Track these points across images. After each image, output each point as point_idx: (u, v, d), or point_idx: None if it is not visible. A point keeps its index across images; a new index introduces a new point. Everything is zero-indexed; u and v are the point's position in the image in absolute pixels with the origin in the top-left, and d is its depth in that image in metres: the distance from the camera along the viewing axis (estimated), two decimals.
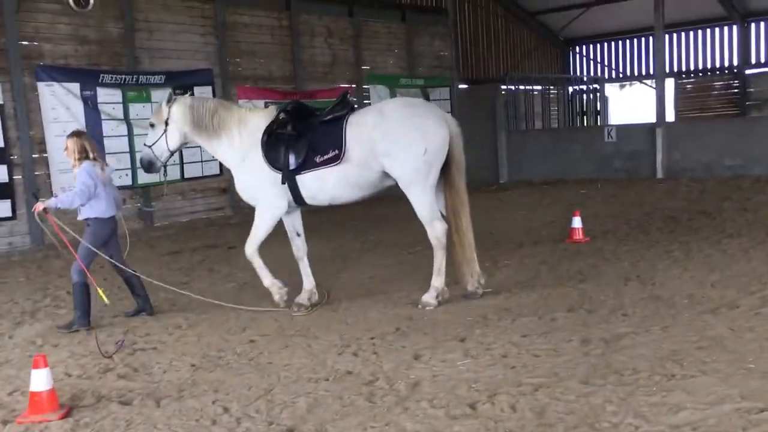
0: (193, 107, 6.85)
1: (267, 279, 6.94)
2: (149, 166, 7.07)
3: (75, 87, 11.47)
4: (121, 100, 12.11)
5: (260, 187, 6.73)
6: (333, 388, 4.70)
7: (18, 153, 10.82)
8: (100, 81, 11.79)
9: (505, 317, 6.14)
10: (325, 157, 6.51)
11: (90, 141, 6.80)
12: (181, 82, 12.91)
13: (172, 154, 7.05)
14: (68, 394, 4.86)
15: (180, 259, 10.28)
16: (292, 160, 6.57)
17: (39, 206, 6.52)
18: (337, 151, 6.48)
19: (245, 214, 13.74)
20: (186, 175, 13.18)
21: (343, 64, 16.54)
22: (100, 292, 6.34)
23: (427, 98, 18.02)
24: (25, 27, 10.89)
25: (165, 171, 7.20)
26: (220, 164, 13.35)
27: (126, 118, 12.17)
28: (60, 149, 10.88)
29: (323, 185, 6.62)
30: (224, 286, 8.26)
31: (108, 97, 11.92)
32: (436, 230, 6.52)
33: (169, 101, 6.88)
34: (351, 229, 11.83)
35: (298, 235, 7.06)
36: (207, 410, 4.45)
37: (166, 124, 6.88)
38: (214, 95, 13.47)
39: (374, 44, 17.41)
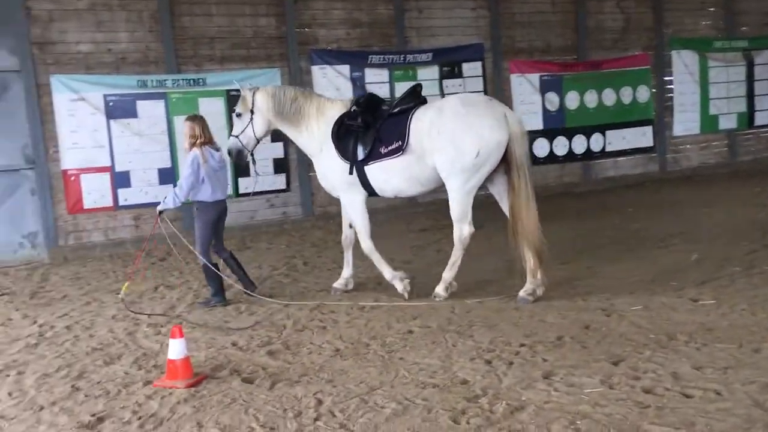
0: (275, 95, 7.07)
1: (387, 273, 7.00)
2: (238, 155, 7.23)
3: (345, 69, 12.25)
4: (387, 79, 12.61)
5: (337, 177, 6.89)
6: (433, 397, 4.32)
7: None
8: (368, 62, 12.41)
9: (696, 339, 5.01)
10: (389, 148, 6.57)
11: (205, 126, 7.08)
12: (449, 59, 13.04)
13: (258, 141, 7.26)
14: (220, 364, 5.25)
15: (424, 236, 10.40)
16: (360, 151, 6.70)
17: (157, 221, 7.10)
18: (400, 143, 6.51)
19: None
20: None
21: (639, 28, 14.95)
22: (124, 287, 6.92)
23: (750, 64, 15.59)
24: (302, 15, 11.89)
25: (253, 159, 7.39)
26: None
27: (392, 97, 12.63)
28: None
29: (388, 177, 6.69)
30: (438, 267, 8.14)
31: (375, 77, 12.50)
32: (463, 232, 6.54)
33: (254, 90, 7.12)
34: (614, 216, 10.77)
35: (350, 227, 7.29)
36: (303, 401, 4.44)
37: (252, 113, 7.10)
38: (483, 71, 13.33)
39: (680, 3, 15.40)
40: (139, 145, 10.71)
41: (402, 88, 12.55)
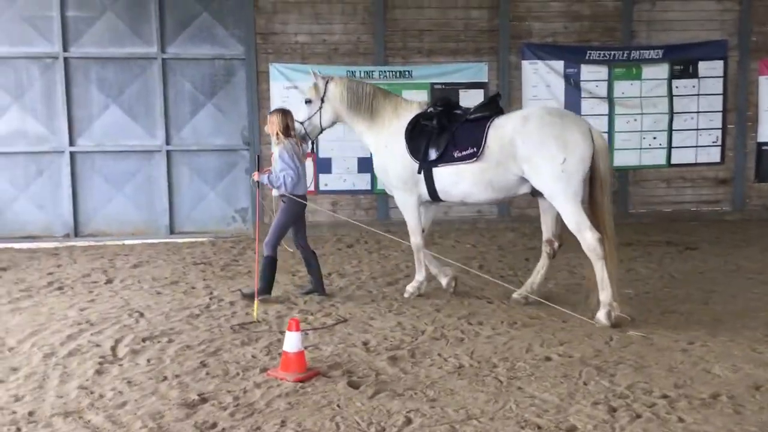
0: (351, 88, 7.15)
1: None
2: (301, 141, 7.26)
3: (559, 65, 11.54)
4: (606, 77, 11.65)
5: (398, 174, 6.95)
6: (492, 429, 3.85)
7: None
8: (586, 58, 11.56)
9: None
10: (463, 153, 6.56)
11: (291, 118, 6.96)
12: (682, 57, 11.72)
13: (321, 131, 7.33)
14: (340, 362, 5.21)
15: (529, 252, 9.57)
16: (432, 152, 6.72)
17: (256, 175, 6.97)
18: (474, 149, 6.50)
19: (748, 211, 11.79)
20: (674, 161, 11.95)
21: None
22: (255, 309, 6.43)
23: None
24: (517, 8, 11.41)
25: (314, 148, 7.12)
26: (722, 150, 11.94)
27: (609, 96, 11.67)
28: None
29: (457, 180, 6.68)
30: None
31: (592, 75, 11.61)
32: (587, 240, 6.11)
33: (326, 79, 7.21)
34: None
35: (423, 231, 7.25)
36: (393, 417, 4.20)
37: (322, 101, 7.17)
38: (725, 71, 11.78)
39: None
40: (342, 133, 11.05)
41: (622, 87, 11.63)
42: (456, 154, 6.58)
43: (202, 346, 5.60)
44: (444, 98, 7.18)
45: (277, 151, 6.92)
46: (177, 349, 5.53)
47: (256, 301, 6.49)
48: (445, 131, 6.69)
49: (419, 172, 6.79)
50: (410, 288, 7.27)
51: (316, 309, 6.74)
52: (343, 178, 11.19)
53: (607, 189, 6.25)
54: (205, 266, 8.90)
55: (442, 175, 6.72)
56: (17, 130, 10.81)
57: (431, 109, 6.89)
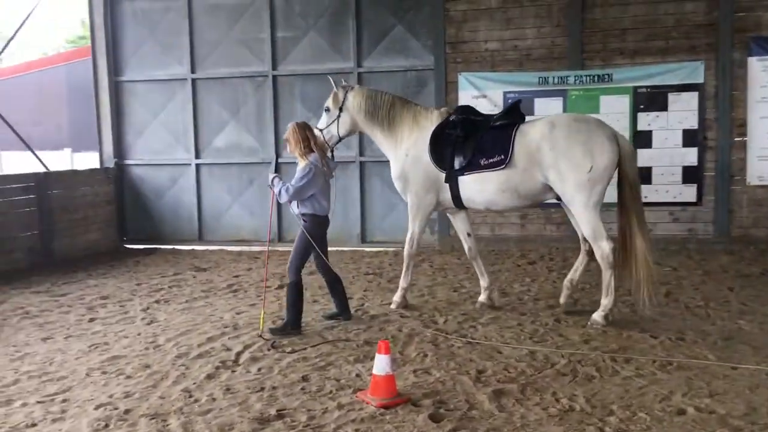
0: (371, 98, 7.14)
1: (405, 281, 7.23)
2: None
3: None
4: None
5: (418, 182, 6.92)
6: None
7: (714, 135, 10.11)
8: None
9: None
10: (491, 160, 6.53)
11: (311, 133, 6.40)
12: None
13: (340, 140, 7.21)
14: (437, 390, 4.87)
15: (739, 281, 7.91)
16: (458, 161, 6.69)
17: (270, 176, 6.46)
18: (502, 156, 6.48)
19: None
20: None
21: None
22: (261, 322, 6.32)
23: None
24: None
25: (333, 156, 6.81)
26: None
27: None
28: (763, 132, 9.81)
29: (483, 188, 6.66)
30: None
31: None
32: (602, 249, 6.33)
33: (346, 89, 7.16)
34: None
35: (469, 235, 7.30)
36: None
37: (340, 110, 7.12)
38: None
39: None
40: None
41: None
42: (483, 162, 6.58)
43: (318, 360, 5.59)
44: (465, 106, 7.32)
45: (301, 164, 6.40)
46: (292, 360, 5.58)
47: (262, 313, 6.42)
48: (470, 139, 6.68)
49: (446, 181, 6.76)
50: (396, 297, 7.27)
51: (453, 329, 6.40)
52: None
53: (638, 191, 6.40)
54: (374, 276, 8.97)
55: (468, 183, 6.72)
56: (234, 143, 11.89)
57: (453, 117, 6.90)
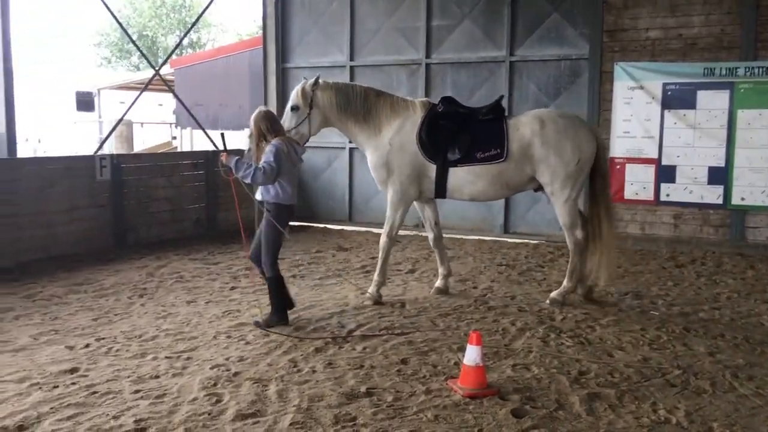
0: (342, 90, 6.96)
1: (380, 275, 7.10)
2: None
3: None
4: None
5: (402, 172, 6.90)
6: None
7: None
8: None
9: None
10: (487, 154, 6.74)
11: (271, 120, 6.10)
12: None
13: (308, 139, 6.95)
14: (530, 387, 4.82)
15: None
16: (453, 153, 6.79)
17: (224, 156, 6.00)
18: (498, 150, 6.72)
19: None
20: None
21: None
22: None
23: None
24: None
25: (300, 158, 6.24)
26: None
27: None
28: None
29: (476, 180, 6.83)
30: None
31: None
32: (577, 237, 6.89)
33: (315, 84, 6.87)
34: None
35: (436, 224, 7.43)
36: None
37: (310, 107, 6.85)
38: None
39: None
40: (692, 138, 9.81)
41: None
42: (479, 155, 6.74)
43: (422, 345, 5.72)
44: (448, 98, 7.16)
45: (266, 148, 6.01)
46: (397, 343, 5.75)
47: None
48: (464, 131, 6.80)
49: (437, 173, 6.81)
50: (370, 291, 7.11)
51: (568, 327, 6.24)
52: (689, 189, 9.90)
53: (608, 182, 7.06)
54: (506, 268, 8.90)
55: (460, 174, 6.83)
56: None
57: (441, 108, 6.96)
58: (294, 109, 6.90)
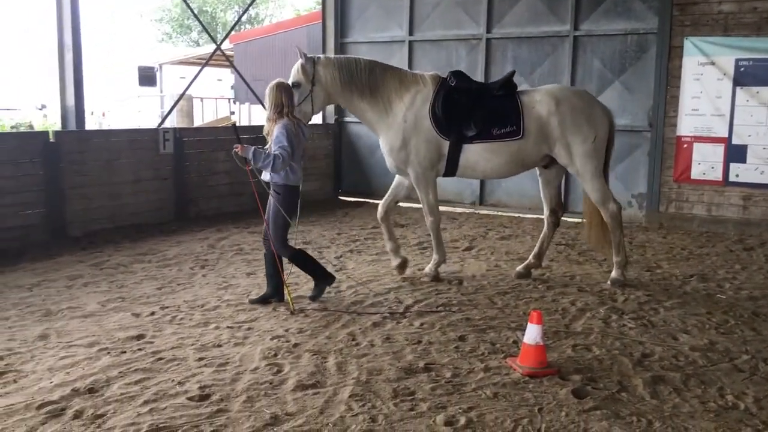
0: (345, 65, 6.62)
1: (438, 253, 6.99)
2: None
3: None
4: None
5: (419, 150, 6.65)
6: None
7: None
8: None
9: None
10: (503, 130, 6.55)
11: (291, 95, 5.72)
12: None
13: (310, 118, 6.72)
14: (590, 367, 4.74)
15: None
16: (468, 129, 6.58)
17: (239, 148, 5.76)
18: (515, 128, 6.55)
19: None
20: None
21: None
22: (290, 302, 5.96)
23: None
24: None
25: (304, 135, 5.95)
26: None
27: None
28: None
29: (492, 157, 6.65)
30: None
31: None
32: (611, 210, 6.77)
33: (314, 60, 6.56)
34: None
35: (397, 203, 7.31)
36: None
37: (312, 84, 6.51)
38: None
39: None
40: (765, 117, 9.41)
41: None
42: (495, 132, 6.55)
43: (480, 322, 5.69)
44: (458, 72, 6.86)
45: (275, 129, 5.84)
46: (456, 320, 5.73)
47: (288, 293, 6.01)
48: (478, 107, 6.59)
49: (451, 149, 6.60)
50: (428, 269, 7.02)
51: (630, 309, 6.11)
52: (760, 169, 9.51)
53: (609, 159, 6.92)
54: (565, 248, 8.76)
55: (476, 151, 6.64)
56: None
57: (453, 82, 6.68)
58: (295, 86, 6.45)
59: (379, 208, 7.17)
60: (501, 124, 6.57)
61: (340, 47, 12.93)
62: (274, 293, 6.18)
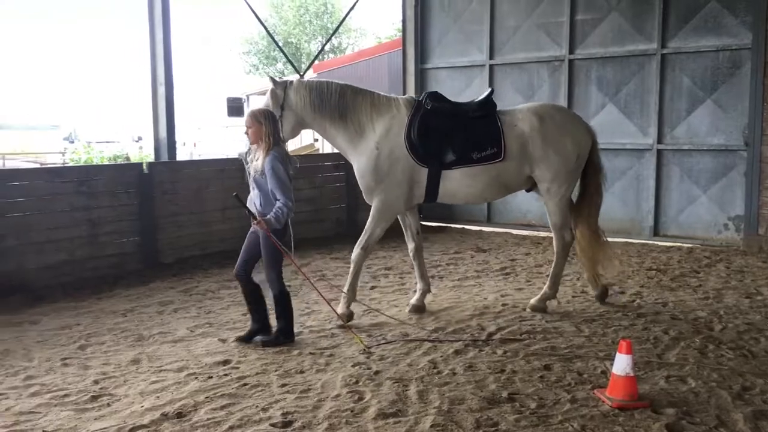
0: (316, 89, 6.39)
1: (351, 289, 6.51)
2: None
3: None
4: None
5: (393, 179, 6.34)
6: None
7: None
8: None
9: None
10: (483, 154, 6.31)
11: (277, 122, 5.75)
12: None
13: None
14: (692, 403, 4.51)
15: None
16: (446, 155, 6.31)
17: (261, 225, 5.52)
18: (495, 150, 6.30)
19: None
20: None
21: None
22: (358, 338, 5.77)
23: None
24: None
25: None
26: None
27: None
28: None
29: (473, 183, 6.39)
30: None
31: None
32: (566, 239, 6.69)
33: (285, 85, 6.41)
34: None
35: (418, 233, 6.85)
36: None
37: (282, 109, 6.34)
38: None
39: None
40: None
41: None
42: (475, 156, 6.29)
43: (566, 350, 5.52)
44: (434, 93, 6.58)
45: (267, 162, 5.51)
46: (539, 348, 5.58)
47: (355, 335, 5.82)
48: (456, 131, 6.32)
49: (429, 177, 6.33)
50: (341, 309, 6.44)
51: (729, 338, 5.78)
52: None
53: (600, 175, 6.76)
54: (656, 273, 8.41)
55: (456, 177, 6.37)
56: None
57: (429, 105, 6.40)
58: None
59: (409, 249, 6.92)
60: (480, 146, 6.32)
61: (420, 73, 13.01)
62: (261, 328, 5.87)
